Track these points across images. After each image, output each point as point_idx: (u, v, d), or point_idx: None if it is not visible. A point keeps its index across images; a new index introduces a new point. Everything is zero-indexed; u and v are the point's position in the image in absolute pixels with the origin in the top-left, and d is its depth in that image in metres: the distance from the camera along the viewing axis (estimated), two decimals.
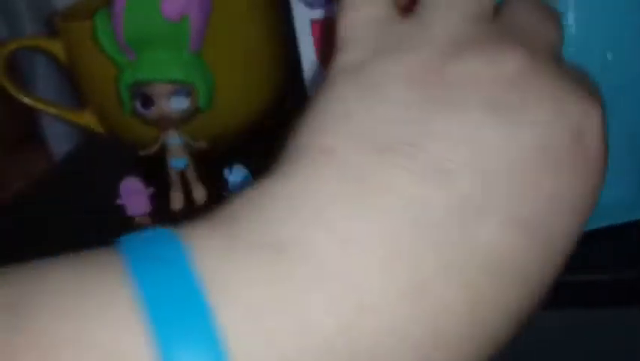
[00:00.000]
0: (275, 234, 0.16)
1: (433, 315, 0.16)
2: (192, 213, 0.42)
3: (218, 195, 0.40)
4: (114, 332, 0.14)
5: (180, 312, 0.15)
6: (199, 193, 0.43)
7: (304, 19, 0.38)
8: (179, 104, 0.40)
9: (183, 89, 0.40)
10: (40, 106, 0.52)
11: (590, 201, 0.19)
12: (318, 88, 0.21)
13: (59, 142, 0.69)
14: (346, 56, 0.21)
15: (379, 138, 0.18)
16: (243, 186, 0.37)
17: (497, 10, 0.22)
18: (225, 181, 0.38)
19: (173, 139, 0.42)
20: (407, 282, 0.16)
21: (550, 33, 0.21)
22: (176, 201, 0.43)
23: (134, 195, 0.42)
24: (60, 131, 0.69)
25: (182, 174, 0.43)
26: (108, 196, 0.43)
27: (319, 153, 0.18)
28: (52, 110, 0.52)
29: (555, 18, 0.22)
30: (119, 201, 0.42)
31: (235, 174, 0.37)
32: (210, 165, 0.44)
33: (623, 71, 0.31)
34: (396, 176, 0.17)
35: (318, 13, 0.38)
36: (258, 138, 0.51)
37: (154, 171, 0.44)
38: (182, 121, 0.41)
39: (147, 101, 0.40)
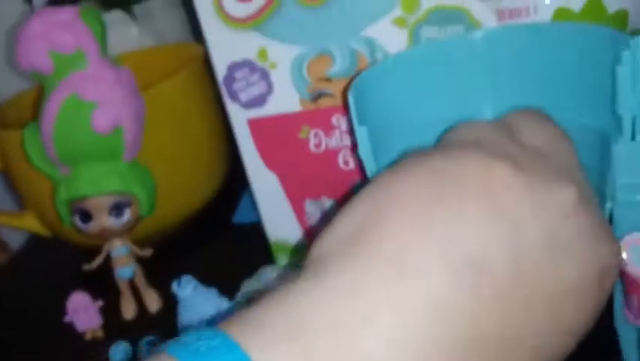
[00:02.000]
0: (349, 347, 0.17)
1: None
2: (146, 322, 0.42)
3: (173, 299, 0.39)
4: None
5: None
6: (152, 300, 0.42)
7: (241, 119, 0.38)
8: (119, 217, 0.38)
9: (123, 200, 0.38)
10: None
11: (587, 328, 0.21)
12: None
13: (12, 233, 0.67)
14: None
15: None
16: (194, 298, 0.36)
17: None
18: (175, 295, 0.37)
19: (118, 249, 0.40)
20: None
21: (570, 153, 0.23)
22: (128, 310, 0.42)
23: (82, 310, 0.40)
24: None
25: (131, 282, 0.42)
26: (59, 304, 0.41)
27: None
28: None
29: (564, 136, 0.24)
30: (67, 318, 0.40)
31: (184, 287, 0.36)
32: (159, 266, 0.43)
33: None
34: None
35: (254, 113, 0.37)
36: (203, 228, 0.50)
37: (103, 277, 0.42)
38: (125, 232, 0.39)
39: (86, 216, 0.38)
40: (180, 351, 0.17)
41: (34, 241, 0.59)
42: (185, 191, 0.46)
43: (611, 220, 0.29)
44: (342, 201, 0.32)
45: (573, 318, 0.20)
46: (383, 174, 0.21)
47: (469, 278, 0.18)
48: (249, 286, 0.41)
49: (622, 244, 0.28)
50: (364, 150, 0.28)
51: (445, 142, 0.23)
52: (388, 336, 0.17)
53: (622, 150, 0.27)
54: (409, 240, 0.18)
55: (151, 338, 0.38)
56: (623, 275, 0.28)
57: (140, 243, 0.42)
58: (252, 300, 0.40)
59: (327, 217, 0.40)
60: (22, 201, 0.50)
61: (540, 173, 0.20)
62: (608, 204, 0.28)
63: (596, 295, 0.20)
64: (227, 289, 0.41)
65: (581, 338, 0.21)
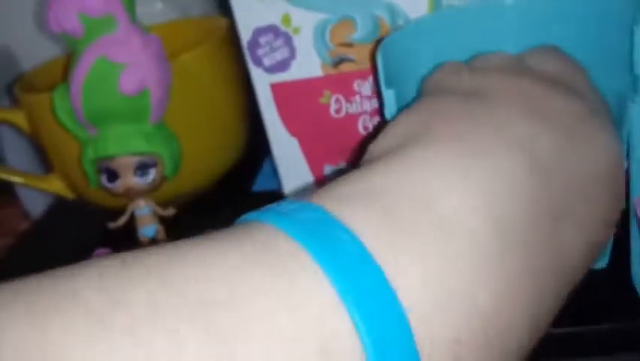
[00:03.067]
0: (430, 211, 0.18)
1: None
2: None
3: None
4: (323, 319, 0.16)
5: (377, 306, 0.16)
6: None
7: (264, 83, 0.39)
8: (145, 176, 0.40)
9: (148, 160, 0.40)
10: (2, 176, 0.51)
11: (616, 217, 0.24)
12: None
13: (34, 201, 0.68)
14: (450, 97, 0.24)
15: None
16: None
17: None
18: None
19: (141, 209, 0.41)
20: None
21: (580, 78, 0.26)
22: None
23: None
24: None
25: (154, 241, 0.43)
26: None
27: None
28: (16, 178, 0.51)
29: (576, 65, 0.27)
30: None
31: None
32: (181, 228, 0.44)
33: None
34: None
35: (277, 78, 0.38)
36: (223, 194, 0.51)
37: (127, 237, 0.44)
38: (150, 191, 0.41)
39: (112, 175, 0.40)
40: (286, 223, 0.17)
41: (55, 209, 0.60)
42: (207, 157, 0.47)
43: (628, 179, 0.30)
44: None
45: (604, 208, 0.23)
46: (422, 97, 0.24)
47: (524, 158, 0.20)
48: None
49: None
50: (391, 113, 0.29)
51: (470, 65, 0.27)
52: (462, 201, 0.19)
53: (639, 109, 0.28)
54: (465, 128, 0.21)
55: None
56: None
57: (164, 206, 0.43)
58: None
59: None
60: (48, 164, 0.52)
61: (557, 87, 0.24)
62: (625, 164, 0.29)
63: (614, 189, 0.23)
64: None
65: (609, 235, 0.24)
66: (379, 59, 0.29)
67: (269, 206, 0.19)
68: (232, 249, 0.16)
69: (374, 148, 0.22)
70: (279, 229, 0.17)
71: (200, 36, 0.51)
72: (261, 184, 0.51)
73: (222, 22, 0.52)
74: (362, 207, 0.18)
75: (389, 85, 0.29)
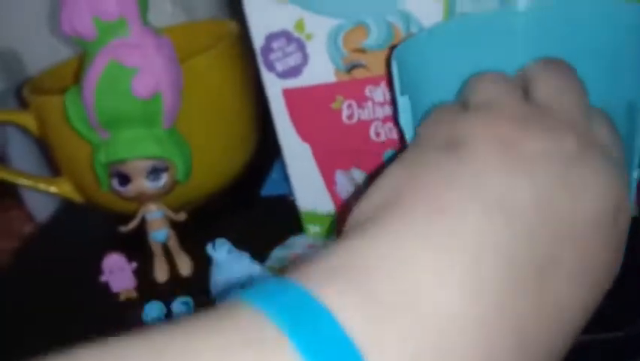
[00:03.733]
0: (407, 293, 0.18)
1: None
2: (178, 284, 0.43)
3: (204, 264, 0.40)
4: None
5: None
6: (184, 264, 0.43)
7: (276, 89, 0.39)
8: (156, 181, 0.40)
9: (160, 164, 0.40)
10: (10, 178, 0.51)
11: (613, 268, 0.22)
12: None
13: (39, 204, 0.68)
14: (435, 135, 0.24)
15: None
16: (228, 260, 0.38)
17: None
18: (210, 258, 0.38)
19: (153, 213, 0.41)
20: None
21: (581, 104, 0.24)
22: (161, 273, 0.43)
23: (117, 271, 0.42)
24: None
25: (165, 245, 0.43)
26: (92, 267, 0.42)
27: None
28: (24, 181, 0.51)
29: (578, 86, 0.25)
30: (102, 278, 0.42)
31: (219, 250, 0.37)
32: (191, 232, 0.44)
33: None
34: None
35: (289, 83, 0.38)
36: (234, 197, 0.51)
37: (137, 242, 0.44)
38: (161, 195, 0.41)
39: (124, 179, 0.40)
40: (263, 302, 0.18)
41: (61, 213, 0.60)
42: (218, 161, 0.47)
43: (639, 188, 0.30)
44: (377, 172, 0.34)
45: (599, 254, 0.21)
46: (411, 148, 0.23)
47: (503, 216, 0.20)
48: (279, 253, 0.42)
49: None
50: (406, 120, 0.29)
51: (462, 99, 0.26)
52: (438, 280, 0.18)
53: None
54: (441, 190, 0.20)
55: (185, 298, 0.39)
56: None
57: (174, 211, 0.43)
58: (282, 267, 0.42)
59: (360, 190, 0.41)
60: (55, 167, 0.52)
61: (542, 125, 0.22)
62: (635, 174, 0.29)
63: (615, 235, 0.22)
64: (258, 255, 0.42)
65: (610, 279, 0.22)
66: (394, 65, 0.29)
67: (256, 283, 0.19)
68: (216, 335, 0.17)
69: (356, 213, 0.22)
70: (263, 314, 0.17)
71: (210, 39, 0.51)
72: (269, 189, 0.52)
73: (232, 25, 0.52)
74: (343, 289, 0.18)
75: (404, 92, 0.29)
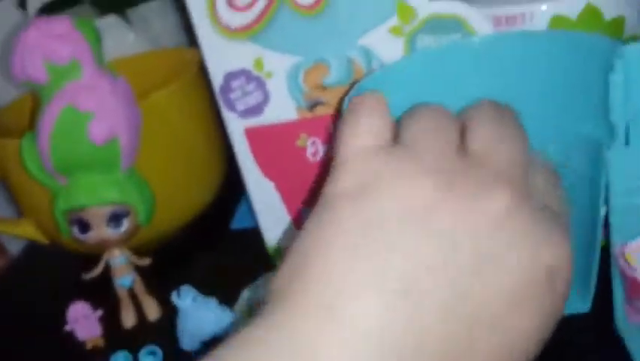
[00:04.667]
0: None
1: None
2: (146, 330, 0.42)
3: (172, 307, 0.39)
4: None
5: None
6: (151, 309, 0.42)
7: (237, 128, 0.37)
8: (118, 227, 0.38)
9: (121, 210, 0.38)
10: None
11: (546, 332, 0.20)
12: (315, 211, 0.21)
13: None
14: (343, 183, 0.21)
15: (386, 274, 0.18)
16: (194, 308, 0.36)
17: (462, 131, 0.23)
18: (174, 306, 0.37)
19: (116, 259, 0.40)
20: None
21: (518, 154, 0.22)
22: (128, 319, 0.42)
23: (82, 319, 0.40)
24: None
25: (131, 291, 0.42)
26: (58, 314, 0.41)
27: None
28: None
29: (517, 134, 0.23)
30: (67, 328, 0.40)
31: (184, 298, 0.36)
32: (159, 274, 0.43)
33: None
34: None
35: (251, 122, 0.37)
36: (204, 232, 0.50)
37: (102, 287, 0.42)
38: (124, 241, 0.39)
39: (84, 226, 0.38)
40: None
41: (34, 247, 0.58)
42: (182, 199, 0.46)
43: (607, 225, 0.29)
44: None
45: (524, 327, 0.19)
46: (318, 210, 0.21)
47: (406, 304, 0.18)
48: (248, 294, 0.41)
49: (630, 249, 0.28)
50: None
51: (400, 138, 0.22)
52: None
53: (616, 155, 0.28)
54: (338, 277, 0.18)
55: (152, 347, 0.38)
56: (629, 281, 0.28)
57: (140, 251, 0.42)
58: (252, 310, 0.40)
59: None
60: (20, 208, 0.50)
61: (468, 184, 0.20)
62: (603, 209, 0.29)
63: (547, 300, 0.20)
64: (228, 295, 0.41)
65: (542, 342, 0.20)
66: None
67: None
68: None
69: (273, 281, 0.20)
70: None
71: (173, 69, 0.50)
72: (239, 222, 0.50)
73: (195, 54, 0.50)
74: None
75: None
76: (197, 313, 0.36)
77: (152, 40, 0.59)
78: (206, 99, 0.46)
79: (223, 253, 0.48)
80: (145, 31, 0.59)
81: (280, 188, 0.39)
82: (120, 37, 0.59)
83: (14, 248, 0.66)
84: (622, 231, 0.29)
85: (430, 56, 0.32)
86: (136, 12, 0.58)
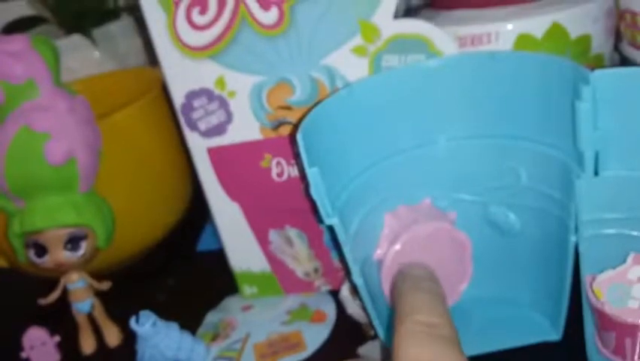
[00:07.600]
0: None
1: None
2: (106, 357, 0.40)
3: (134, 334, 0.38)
4: None
5: None
6: (112, 334, 0.40)
7: (200, 148, 0.37)
8: (75, 250, 0.37)
9: (79, 232, 0.37)
10: None
11: None
12: None
13: None
14: None
15: None
16: (153, 333, 0.35)
17: None
18: (134, 331, 0.35)
19: (75, 283, 0.39)
20: None
21: None
22: (87, 345, 0.40)
23: (39, 346, 0.39)
24: None
25: (90, 316, 0.40)
26: (13, 340, 0.39)
27: None
28: None
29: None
30: (23, 355, 0.39)
31: (142, 323, 0.35)
32: (120, 297, 0.42)
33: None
34: None
35: (213, 142, 0.36)
36: (168, 254, 0.49)
37: (60, 312, 0.41)
38: (82, 265, 0.38)
39: (41, 249, 0.37)
40: None
41: None
42: (146, 220, 0.45)
43: (576, 254, 0.28)
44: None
45: None
46: None
47: None
48: (212, 317, 0.40)
49: (598, 283, 0.27)
50: (317, 191, 0.27)
51: None
52: None
53: (585, 186, 0.26)
54: None
55: None
56: (597, 313, 0.27)
57: (101, 273, 0.41)
58: (216, 333, 0.39)
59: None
60: None
61: None
62: (573, 238, 0.28)
63: None
64: (192, 319, 0.40)
65: None
66: (300, 139, 0.27)
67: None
68: None
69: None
70: None
71: (137, 88, 0.49)
72: (205, 243, 0.49)
73: (160, 73, 0.50)
74: None
75: (315, 159, 0.27)
76: (157, 338, 0.35)
77: (118, 59, 0.58)
78: (170, 119, 0.45)
79: (188, 275, 0.46)
80: (110, 51, 0.58)
81: (245, 210, 0.38)
82: (85, 56, 0.58)
83: None
84: (590, 262, 0.28)
85: (395, 76, 0.31)
86: (101, 32, 0.57)
